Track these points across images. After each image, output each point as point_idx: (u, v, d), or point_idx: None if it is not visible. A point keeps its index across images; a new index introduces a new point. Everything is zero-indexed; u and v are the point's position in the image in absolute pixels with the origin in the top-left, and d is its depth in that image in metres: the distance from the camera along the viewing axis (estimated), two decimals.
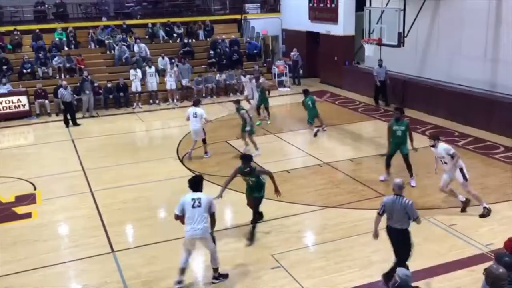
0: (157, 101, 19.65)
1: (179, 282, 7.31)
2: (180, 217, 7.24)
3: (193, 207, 7.09)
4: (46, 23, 22.72)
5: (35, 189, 11.56)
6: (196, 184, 7.32)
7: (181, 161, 13.17)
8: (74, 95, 17.97)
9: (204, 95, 20.29)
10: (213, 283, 7.50)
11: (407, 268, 6.16)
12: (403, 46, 15.61)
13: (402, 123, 10.93)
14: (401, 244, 6.93)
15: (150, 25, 22.80)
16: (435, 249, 8.15)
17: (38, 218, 10.05)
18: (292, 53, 22.63)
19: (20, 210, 10.41)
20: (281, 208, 9.86)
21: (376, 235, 7.09)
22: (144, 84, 19.62)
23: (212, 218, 7.27)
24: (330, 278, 7.55)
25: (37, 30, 21.09)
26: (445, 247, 8.29)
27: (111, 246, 8.71)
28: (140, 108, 19.15)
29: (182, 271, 7.33)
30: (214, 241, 7.49)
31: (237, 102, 13.61)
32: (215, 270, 7.54)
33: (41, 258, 8.46)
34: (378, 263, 7.76)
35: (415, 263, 7.45)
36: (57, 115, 18.29)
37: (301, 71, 22.65)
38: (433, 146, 9.45)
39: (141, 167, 12.72)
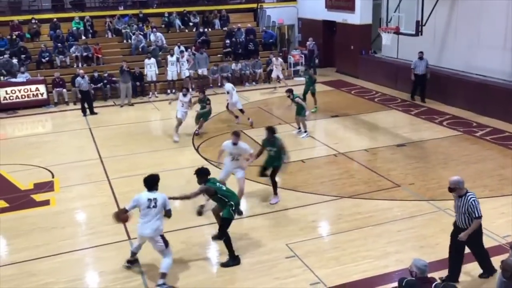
0: (173, 91, 19.70)
1: (128, 261, 7.76)
2: (126, 213, 7.29)
3: (148, 207, 7.10)
4: (63, 12, 22.89)
5: (53, 176, 11.71)
6: (153, 183, 7.26)
7: (197, 150, 13.23)
8: (91, 84, 18.13)
9: (219, 84, 20.30)
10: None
11: None
12: (421, 35, 15.39)
13: (274, 144, 9.63)
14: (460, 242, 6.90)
15: (166, 14, 22.82)
16: None
17: (56, 205, 10.20)
18: (308, 42, 22.51)
19: (38, 197, 10.57)
20: (296, 198, 9.87)
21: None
22: (163, 73, 19.69)
23: (167, 214, 7.27)
24: (344, 268, 7.55)
25: (55, 19, 21.24)
26: None
27: (128, 234, 8.80)
28: (156, 97, 19.23)
29: (133, 254, 7.74)
30: (166, 242, 7.24)
31: (290, 90, 13.92)
32: (162, 275, 7.14)
33: (59, 245, 8.59)
34: (393, 254, 7.75)
35: (431, 255, 7.44)
36: (74, 104, 18.46)
37: (317, 61, 22.49)
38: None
39: (156, 156, 12.80)
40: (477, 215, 6.64)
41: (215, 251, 8.24)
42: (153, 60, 19.49)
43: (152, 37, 21.19)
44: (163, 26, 22.51)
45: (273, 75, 20.27)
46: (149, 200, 7.11)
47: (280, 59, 20.40)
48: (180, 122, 13.97)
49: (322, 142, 13.65)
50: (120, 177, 11.47)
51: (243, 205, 9.96)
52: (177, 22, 22.68)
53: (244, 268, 7.67)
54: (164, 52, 20.66)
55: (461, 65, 16.44)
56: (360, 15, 20.66)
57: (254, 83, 20.69)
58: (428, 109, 16.07)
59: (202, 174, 7.76)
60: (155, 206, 7.10)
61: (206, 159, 12.34)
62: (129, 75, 18.50)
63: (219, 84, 20.26)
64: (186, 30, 22.69)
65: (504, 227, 8.50)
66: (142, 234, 7.29)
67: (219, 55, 21.71)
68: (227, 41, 21.90)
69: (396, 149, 12.79)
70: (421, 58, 16.46)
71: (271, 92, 19.63)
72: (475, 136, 13.42)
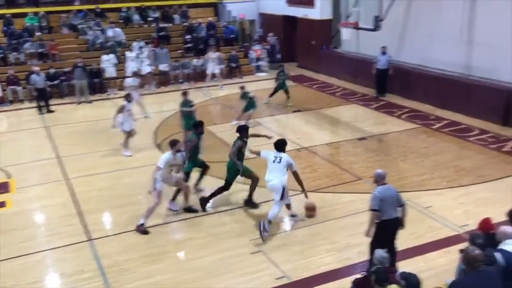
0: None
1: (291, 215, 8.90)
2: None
3: (273, 162, 8.35)
4: (17, 8, 22.10)
5: (9, 177, 11.32)
6: (280, 145, 8.56)
7: (158, 147, 13.04)
8: (48, 81, 17.59)
9: (181, 80, 20.08)
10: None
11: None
12: (380, 29, 15.63)
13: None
14: (396, 235, 6.90)
15: (124, 9, 22.38)
16: (412, 231, 8.24)
17: (13, 207, 9.86)
18: (268, 38, 22.50)
19: None
20: (260, 194, 9.85)
21: (369, 234, 6.84)
22: (122, 69, 19.28)
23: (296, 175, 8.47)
24: (308, 262, 7.60)
25: (8, 15, 20.49)
26: (421, 228, 8.41)
27: (88, 234, 8.61)
28: (116, 94, 18.84)
29: (288, 206, 8.80)
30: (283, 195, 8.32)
31: (243, 87, 14.37)
32: (268, 221, 8.23)
33: (19, 246, 8.34)
34: (355, 246, 7.84)
35: None
36: (30, 102, 17.87)
37: (278, 56, 22.55)
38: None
39: (117, 154, 12.54)
40: (369, 208, 6.73)
41: (181, 249, 8.15)
42: (112, 56, 19.09)
43: (110, 33, 20.72)
44: (121, 21, 22.06)
45: (208, 71, 19.39)
46: (275, 157, 8.38)
47: (218, 53, 19.89)
48: (132, 135, 12.75)
49: (285, 137, 13.63)
50: (79, 176, 11.18)
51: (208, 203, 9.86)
52: (136, 17, 22.28)
53: (209, 265, 7.61)
54: (123, 48, 20.25)
55: (420, 59, 16.79)
56: (320, 11, 20.80)
57: (216, 79, 20.54)
58: (388, 103, 16.36)
59: (243, 130, 9.26)
60: (279, 162, 8.32)
61: None
62: (84, 72, 18.02)
63: (180, 80, 20.03)
64: (145, 25, 22.31)
65: (462, 217, 8.74)
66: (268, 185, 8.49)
67: (179, 51, 21.44)
68: (188, 36, 21.65)
69: (358, 142, 12.96)
70: (383, 53, 16.69)
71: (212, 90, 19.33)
72: (433, 128, 13.74)
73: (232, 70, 21.06)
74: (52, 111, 16.74)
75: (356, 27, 16.35)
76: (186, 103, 12.70)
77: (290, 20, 22.81)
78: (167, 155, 8.73)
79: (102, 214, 9.58)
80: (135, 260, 7.80)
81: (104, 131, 14.64)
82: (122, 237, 8.55)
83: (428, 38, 16.36)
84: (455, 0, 15.18)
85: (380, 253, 5.54)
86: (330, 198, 9.70)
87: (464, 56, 15.28)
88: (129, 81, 16.17)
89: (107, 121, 15.87)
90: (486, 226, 6.34)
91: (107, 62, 18.94)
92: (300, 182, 8.54)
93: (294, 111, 15.89)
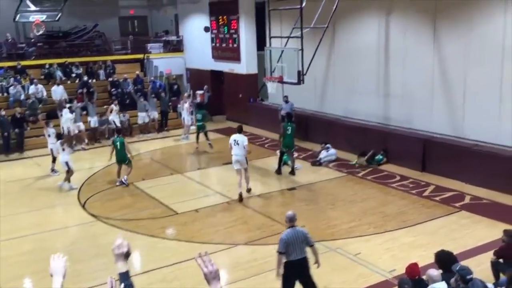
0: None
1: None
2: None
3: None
4: None
5: None
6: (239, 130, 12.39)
7: (83, 206, 12.53)
8: None
9: (107, 136, 19.63)
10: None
11: None
12: (303, 83, 16.27)
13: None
14: (308, 272, 7.16)
15: (47, 66, 21.89)
16: (342, 279, 8.37)
17: None
18: (200, 91, 22.43)
19: None
20: (192, 249, 9.66)
21: (278, 274, 7.17)
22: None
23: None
24: None
25: None
26: (352, 276, 8.54)
27: None
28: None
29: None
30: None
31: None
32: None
33: None
34: None
35: None
36: None
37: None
38: None
39: (39, 215, 11.92)
40: (276, 250, 7.13)
41: None
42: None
43: (32, 89, 20.09)
44: (42, 77, 21.51)
45: (187, 122, 19.55)
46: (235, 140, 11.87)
47: (188, 101, 19.77)
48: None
49: (215, 190, 13.64)
50: (2, 240, 10.44)
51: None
52: (58, 73, 21.80)
53: None
54: (44, 105, 19.66)
55: (341, 110, 17.60)
56: (246, 65, 21.42)
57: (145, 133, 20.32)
58: (314, 152, 16.83)
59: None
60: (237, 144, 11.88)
61: (93, 215, 11.72)
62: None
63: (106, 136, 19.60)
64: (69, 82, 21.86)
65: (389, 262, 8.96)
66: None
67: (105, 106, 21.07)
68: (113, 90, 21.41)
69: (288, 192, 13.15)
70: (286, 101, 17.91)
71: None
72: (358, 176, 14.24)
73: (161, 123, 21.04)
74: None
75: (280, 81, 16.91)
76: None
77: (217, 74, 23.26)
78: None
79: (22, 281, 8.96)
80: None
81: (25, 191, 13.96)
82: None
83: (347, 91, 17.25)
84: (370, 55, 16.22)
85: None
86: (262, 250, 9.66)
87: (382, 107, 16.20)
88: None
89: (28, 180, 15.20)
90: (412, 271, 6.55)
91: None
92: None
93: (224, 164, 15.93)
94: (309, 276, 7.22)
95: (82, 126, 18.85)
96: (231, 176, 14.74)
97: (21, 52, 23.06)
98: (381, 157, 15.05)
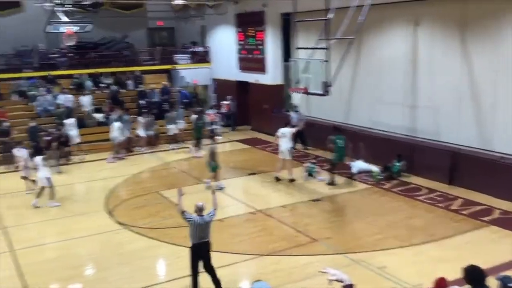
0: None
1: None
2: None
3: None
4: None
5: None
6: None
7: (110, 214, 12.70)
8: None
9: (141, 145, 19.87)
10: None
11: None
12: (329, 94, 16.24)
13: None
14: (208, 255, 8.29)
15: (77, 76, 22.38)
16: None
17: None
18: (226, 102, 22.85)
19: None
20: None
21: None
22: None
23: None
24: None
25: None
26: None
27: None
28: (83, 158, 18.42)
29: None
30: None
31: None
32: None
33: None
34: None
35: None
36: None
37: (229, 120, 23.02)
38: None
39: (65, 223, 12.12)
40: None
41: None
42: (72, 120, 18.79)
43: (61, 99, 20.53)
44: (72, 87, 21.99)
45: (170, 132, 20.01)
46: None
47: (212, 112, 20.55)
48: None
49: (240, 200, 13.68)
50: (25, 247, 10.64)
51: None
52: (89, 83, 22.27)
53: None
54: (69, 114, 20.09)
55: (366, 122, 17.47)
56: (271, 76, 21.52)
57: (170, 144, 20.46)
58: (340, 164, 16.70)
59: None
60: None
61: (120, 223, 11.87)
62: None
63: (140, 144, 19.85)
64: (98, 91, 22.30)
65: (415, 276, 8.80)
66: None
67: (133, 116, 21.36)
68: (142, 101, 21.73)
69: (312, 204, 13.09)
70: (296, 111, 18.69)
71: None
72: (384, 188, 14.08)
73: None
74: None
75: (305, 92, 16.89)
76: None
77: (243, 85, 23.40)
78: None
79: None
80: None
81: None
82: None
83: (373, 102, 17.13)
84: (397, 67, 16.10)
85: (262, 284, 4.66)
86: (286, 261, 9.63)
87: (407, 119, 16.03)
88: None
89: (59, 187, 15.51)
90: (440, 285, 6.44)
91: (68, 127, 18.59)
92: None
93: (249, 174, 15.98)
94: (209, 258, 8.31)
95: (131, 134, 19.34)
96: (256, 186, 14.81)
97: (53, 62, 23.63)
98: (397, 165, 14.82)
